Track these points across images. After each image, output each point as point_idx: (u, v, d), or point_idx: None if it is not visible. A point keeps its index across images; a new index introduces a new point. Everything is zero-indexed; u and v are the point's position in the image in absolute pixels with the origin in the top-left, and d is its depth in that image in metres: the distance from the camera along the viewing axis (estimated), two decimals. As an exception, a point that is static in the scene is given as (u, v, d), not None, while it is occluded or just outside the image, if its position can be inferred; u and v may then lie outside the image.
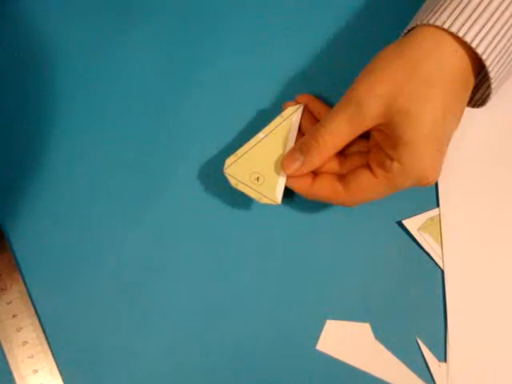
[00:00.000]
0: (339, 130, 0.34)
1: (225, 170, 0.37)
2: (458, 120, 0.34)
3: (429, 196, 0.41)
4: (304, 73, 0.42)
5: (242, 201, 0.40)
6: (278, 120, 0.38)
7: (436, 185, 0.41)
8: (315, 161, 0.35)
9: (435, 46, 0.32)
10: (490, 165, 0.41)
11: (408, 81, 0.32)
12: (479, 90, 0.36)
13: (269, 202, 0.36)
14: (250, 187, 0.36)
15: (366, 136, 0.36)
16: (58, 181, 0.40)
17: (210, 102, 0.42)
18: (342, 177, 0.36)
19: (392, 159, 0.33)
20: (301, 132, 0.38)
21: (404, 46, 0.33)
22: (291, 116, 0.38)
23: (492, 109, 0.38)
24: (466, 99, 0.34)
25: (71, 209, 0.40)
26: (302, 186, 0.36)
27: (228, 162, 0.37)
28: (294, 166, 0.35)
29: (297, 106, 0.38)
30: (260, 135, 0.37)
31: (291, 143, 0.37)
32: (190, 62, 0.42)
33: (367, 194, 0.35)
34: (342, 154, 0.36)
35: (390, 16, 0.42)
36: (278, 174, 0.36)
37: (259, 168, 0.37)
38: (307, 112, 0.39)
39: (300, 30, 0.42)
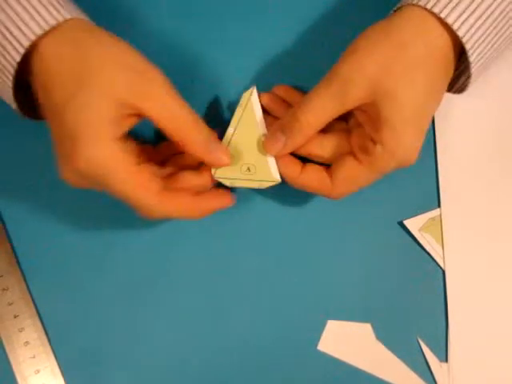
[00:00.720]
0: (322, 108, 0.33)
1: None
2: (438, 103, 0.34)
3: (430, 196, 0.40)
4: (297, 70, 0.41)
5: (241, 201, 0.40)
6: (239, 110, 0.37)
7: (437, 185, 0.41)
8: (297, 140, 0.35)
9: (421, 29, 0.32)
10: (491, 165, 0.41)
11: (395, 63, 0.32)
12: (462, 76, 0.36)
13: (270, 184, 0.36)
14: (247, 179, 0.36)
15: (344, 118, 0.36)
16: (59, 184, 0.40)
17: (209, 101, 0.42)
18: (328, 168, 0.36)
19: (375, 142, 0.33)
20: (268, 114, 0.38)
21: (391, 26, 0.33)
22: (249, 100, 0.37)
23: (493, 108, 0.38)
24: (447, 82, 0.34)
25: (72, 210, 0.40)
26: (290, 174, 0.36)
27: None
28: (277, 147, 0.35)
29: (250, 90, 0.37)
30: (230, 130, 0.37)
31: (262, 125, 0.37)
32: (189, 61, 0.42)
33: (353, 181, 0.35)
34: (323, 132, 0.36)
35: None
36: (266, 155, 0.36)
37: (245, 159, 0.37)
38: (281, 99, 0.39)
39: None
